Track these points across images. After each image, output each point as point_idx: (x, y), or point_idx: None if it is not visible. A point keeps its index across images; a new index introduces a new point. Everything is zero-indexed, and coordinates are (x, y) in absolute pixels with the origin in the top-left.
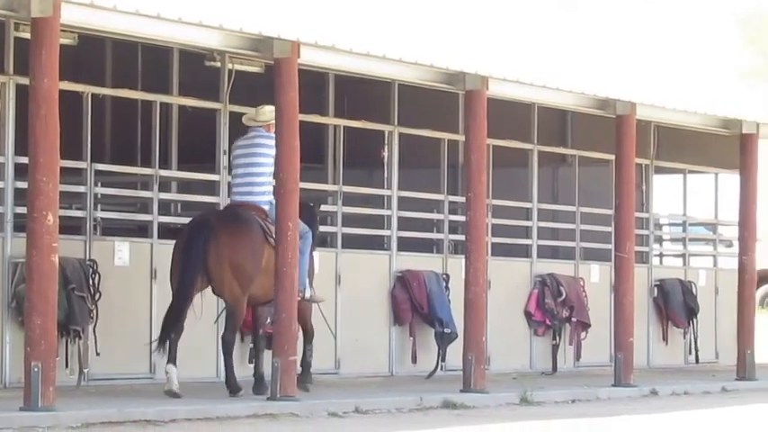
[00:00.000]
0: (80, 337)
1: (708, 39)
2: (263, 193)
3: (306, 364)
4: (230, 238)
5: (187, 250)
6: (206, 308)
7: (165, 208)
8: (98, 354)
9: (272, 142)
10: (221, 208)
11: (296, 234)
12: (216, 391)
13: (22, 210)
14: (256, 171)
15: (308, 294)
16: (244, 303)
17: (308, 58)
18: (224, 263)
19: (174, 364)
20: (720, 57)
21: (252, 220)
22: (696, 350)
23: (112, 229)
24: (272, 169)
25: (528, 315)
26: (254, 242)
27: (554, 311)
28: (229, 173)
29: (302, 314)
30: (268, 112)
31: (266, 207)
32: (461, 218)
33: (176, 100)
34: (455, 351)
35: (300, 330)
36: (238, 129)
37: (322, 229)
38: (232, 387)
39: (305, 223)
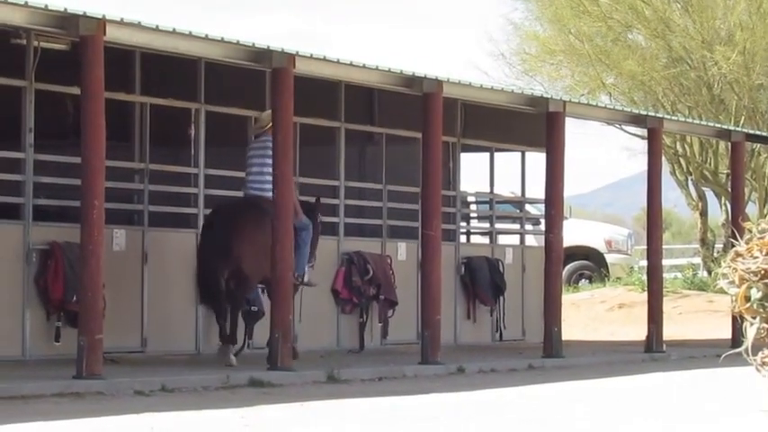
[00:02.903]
0: None
1: (512, 17)
2: (271, 190)
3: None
4: (254, 224)
5: (214, 235)
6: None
7: None
8: None
9: None
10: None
11: (101, 212)
12: (21, 370)
13: None
14: (267, 171)
15: (306, 279)
16: (257, 280)
17: (114, 35)
18: (248, 244)
19: (234, 342)
20: (526, 36)
21: (266, 210)
22: (503, 328)
23: None
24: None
25: (335, 293)
26: (267, 228)
27: (361, 289)
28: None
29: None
30: (265, 117)
31: None
32: None
33: None
34: (262, 329)
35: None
36: (44, 106)
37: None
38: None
39: (307, 218)
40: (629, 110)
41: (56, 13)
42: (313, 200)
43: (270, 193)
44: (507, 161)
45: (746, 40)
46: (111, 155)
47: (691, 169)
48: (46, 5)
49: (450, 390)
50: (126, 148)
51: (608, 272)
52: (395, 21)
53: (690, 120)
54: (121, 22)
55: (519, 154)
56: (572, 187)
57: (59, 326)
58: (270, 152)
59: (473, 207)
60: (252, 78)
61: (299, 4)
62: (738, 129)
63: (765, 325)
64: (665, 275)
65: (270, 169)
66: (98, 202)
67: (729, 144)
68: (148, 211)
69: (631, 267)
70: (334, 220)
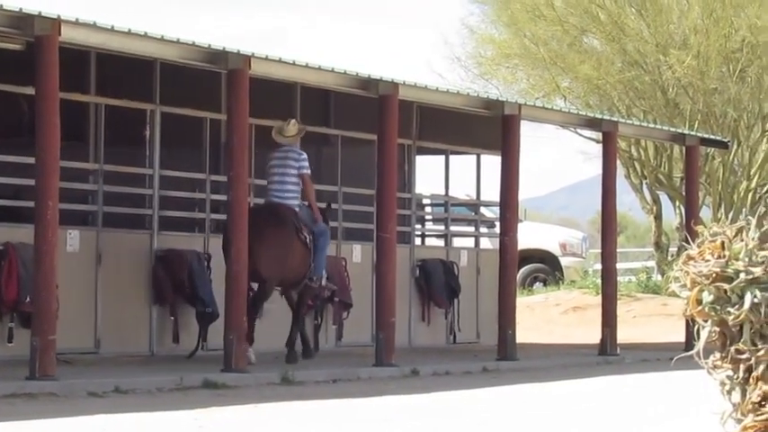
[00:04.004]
0: None
1: (468, 20)
2: (293, 198)
3: (299, 341)
4: (273, 230)
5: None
6: None
7: None
8: None
9: (301, 157)
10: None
11: (55, 213)
12: None
13: None
14: (288, 180)
15: (324, 283)
16: (275, 282)
17: (70, 35)
18: (266, 249)
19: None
20: (481, 40)
21: (286, 217)
22: (458, 330)
23: None
24: (299, 178)
25: None
26: (288, 234)
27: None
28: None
29: (304, 299)
30: (292, 127)
31: (297, 209)
32: (224, 197)
33: None
34: (217, 331)
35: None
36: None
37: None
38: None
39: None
40: (584, 113)
41: (10, 12)
42: (323, 205)
43: (290, 201)
44: (463, 164)
45: (700, 44)
46: (66, 155)
47: (645, 173)
48: (0, 5)
49: (404, 392)
50: (80, 149)
51: (562, 275)
52: (353, 19)
53: (644, 123)
54: (77, 23)
55: (474, 157)
56: (527, 190)
57: (12, 327)
58: (291, 162)
59: (428, 209)
60: (207, 80)
61: (261, 4)
62: (693, 133)
63: (717, 328)
64: (620, 279)
65: (291, 179)
66: (52, 202)
67: (684, 148)
68: (103, 212)
69: (586, 270)
70: None
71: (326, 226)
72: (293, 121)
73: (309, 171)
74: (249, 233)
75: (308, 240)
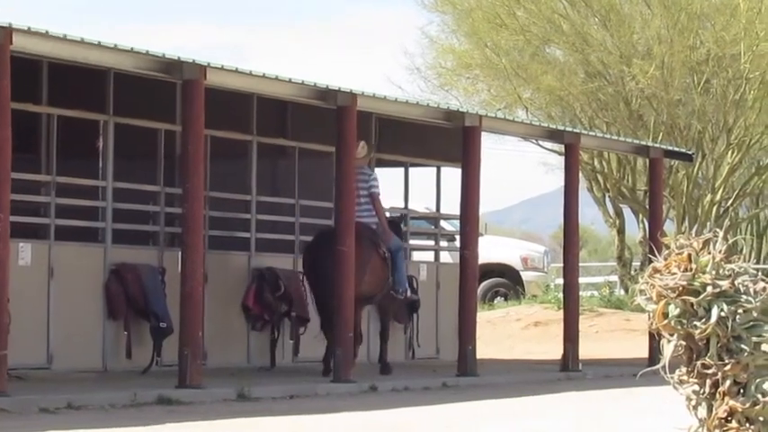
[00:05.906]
0: None
1: (428, 30)
2: (368, 216)
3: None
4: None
5: (317, 258)
6: None
7: None
8: None
9: (371, 177)
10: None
11: (7, 226)
12: None
13: None
14: (361, 201)
15: (408, 294)
16: (357, 297)
17: (21, 44)
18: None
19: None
20: (442, 50)
21: (362, 234)
22: (417, 345)
23: None
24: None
25: (246, 309)
26: (364, 250)
27: (272, 306)
28: None
29: (387, 313)
30: (361, 149)
31: (374, 226)
32: (178, 210)
33: None
34: (171, 346)
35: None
36: None
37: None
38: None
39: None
40: (546, 125)
41: None
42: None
43: (366, 219)
44: (422, 176)
45: (664, 54)
46: (17, 167)
47: (608, 186)
48: None
49: (362, 408)
50: (32, 161)
51: (524, 289)
52: (313, 34)
53: (608, 135)
54: (29, 31)
55: (434, 169)
56: (488, 203)
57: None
58: (361, 183)
59: None
60: (162, 90)
61: (220, 16)
62: (657, 145)
63: (683, 342)
64: (582, 293)
65: (364, 198)
66: (3, 215)
67: (647, 160)
68: (55, 225)
69: (547, 285)
70: (246, 235)
71: (401, 242)
72: (362, 143)
73: (379, 191)
74: (327, 253)
75: (386, 255)
